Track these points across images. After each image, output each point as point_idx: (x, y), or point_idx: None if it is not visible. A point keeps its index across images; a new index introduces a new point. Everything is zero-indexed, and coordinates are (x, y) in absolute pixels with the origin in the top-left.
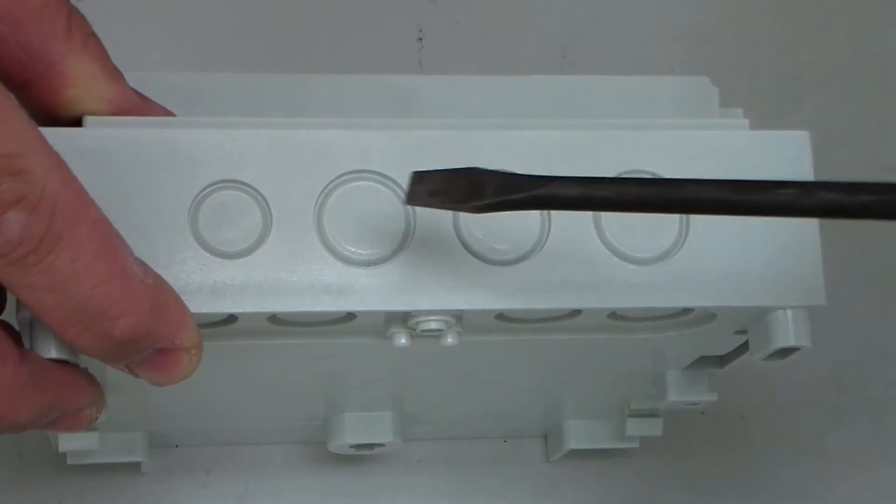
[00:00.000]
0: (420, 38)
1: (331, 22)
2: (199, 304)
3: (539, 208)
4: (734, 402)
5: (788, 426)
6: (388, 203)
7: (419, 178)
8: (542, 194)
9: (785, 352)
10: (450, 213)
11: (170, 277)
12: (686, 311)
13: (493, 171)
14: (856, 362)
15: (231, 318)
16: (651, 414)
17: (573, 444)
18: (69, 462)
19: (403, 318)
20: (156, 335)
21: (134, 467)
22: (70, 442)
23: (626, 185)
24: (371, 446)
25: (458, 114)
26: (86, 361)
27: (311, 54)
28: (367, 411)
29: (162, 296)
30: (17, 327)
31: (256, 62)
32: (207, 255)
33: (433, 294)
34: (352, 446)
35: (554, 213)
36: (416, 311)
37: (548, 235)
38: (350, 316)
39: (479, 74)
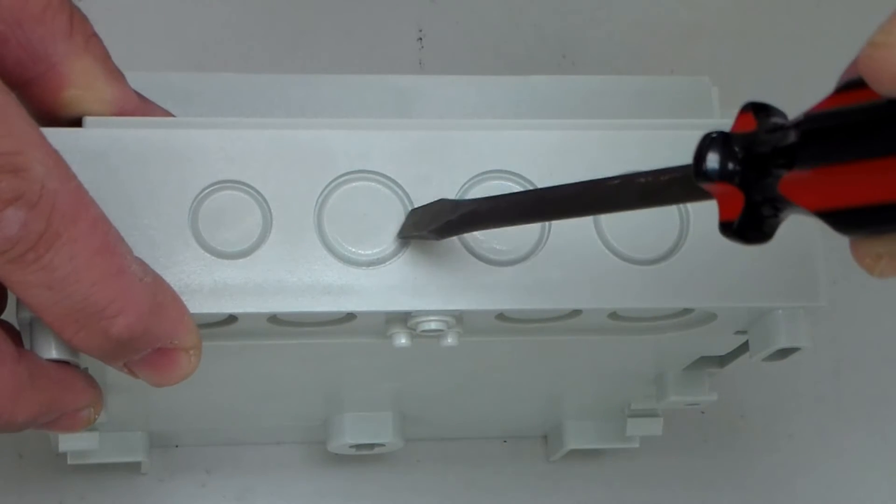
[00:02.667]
0: (420, 38)
1: (331, 22)
2: (199, 305)
3: (467, 228)
4: (734, 401)
5: (788, 426)
6: (388, 203)
7: (411, 212)
8: (457, 216)
9: (785, 352)
10: None
11: (170, 277)
12: (686, 311)
13: (443, 201)
14: (856, 362)
15: (231, 319)
16: (651, 414)
17: (573, 444)
18: (69, 462)
19: (403, 319)
20: (154, 334)
21: (134, 467)
22: (70, 442)
23: (509, 198)
24: (371, 446)
25: (457, 114)
26: (86, 362)
27: (311, 54)
28: (367, 411)
29: (160, 295)
30: (17, 327)
31: (256, 62)
32: (207, 255)
33: (433, 294)
34: (352, 446)
35: None
36: (417, 311)
37: (548, 235)
38: (350, 316)
39: (479, 74)
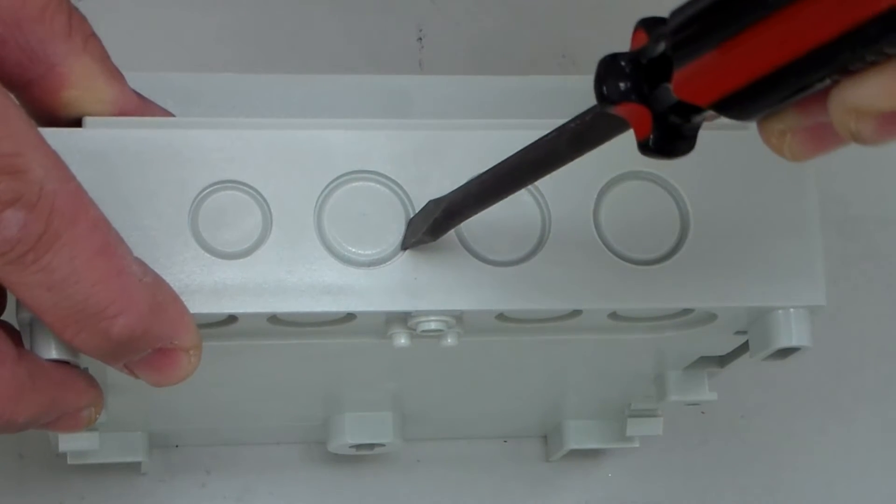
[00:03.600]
0: (420, 38)
1: (331, 22)
2: (200, 305)
3: (452, 222)
4: (734, 401)
5: (788, 426)
6: (388, 203)
7: (409, 222)
8: (440, 211)
9: (785, 352)
10: None
11: (170, 278)
12: (686, 311)
13: (429, 202)
14: (856, 362)
15: (231, 319)
16: (651, 414)
17: (573, 444)
18: (69, 462)
19: (403, 319)
20: (154, 334)
21: (134, 467)
22: (70, 442)
23: (476, 181)
24: (371, 446)
25: (457, 114)
26: (86, 362)
27: (311, 54)
28: (367, 411)
29: (160, 295)
30: (17, 328)
31: (256, 62)
32: (207, 255)
33: (433, 294)
34: (352, 446)
35: (553, 212)
36: (417, 311)
37: (548, 235)
38: (350, 316)
39: (479, 74)
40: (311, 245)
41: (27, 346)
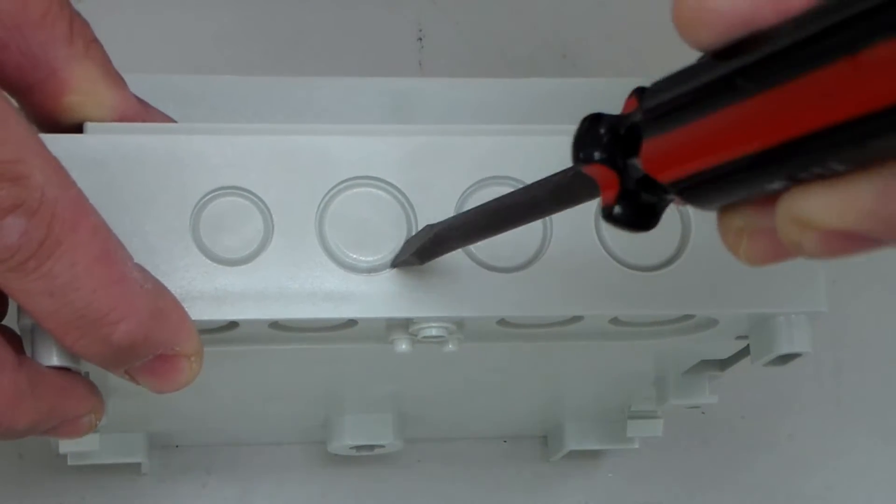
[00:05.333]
0: (420, 38)
1: (331, 22)
2: (201, 311)
3: (439, 249)
4: (734, 402)
5: (788, 426)
6: (390, 209)
7: (405, 242)
8: (429, 238)
9: (786, 358)
10: None
11: (171, 284)
12: (687, 316)
13: (426, 227)
14: (856, 362)
15: (232, 325)
16: (651, 415)
17: (573, 445)
18: (69, 463)
19: (405, 325)
20: (155, 341)
21: (134, 468)
22: (70, 443)
23: (466, 215)
24: (371, 447)
25: (457, 117)
26: (87, 368)
27: (311, 55)
28: (367, 413)
29: (161, 301)
30: (18, 333)
31: (256, 64)
32: (209, 261)
33: (434, 301)
34: (352, 447)
35: (554, 218)
36: (418, 317)
37: (549, 241)
38: (351, 322)
39: (479, 75)
40: (313, 251)
41: (28, 352)
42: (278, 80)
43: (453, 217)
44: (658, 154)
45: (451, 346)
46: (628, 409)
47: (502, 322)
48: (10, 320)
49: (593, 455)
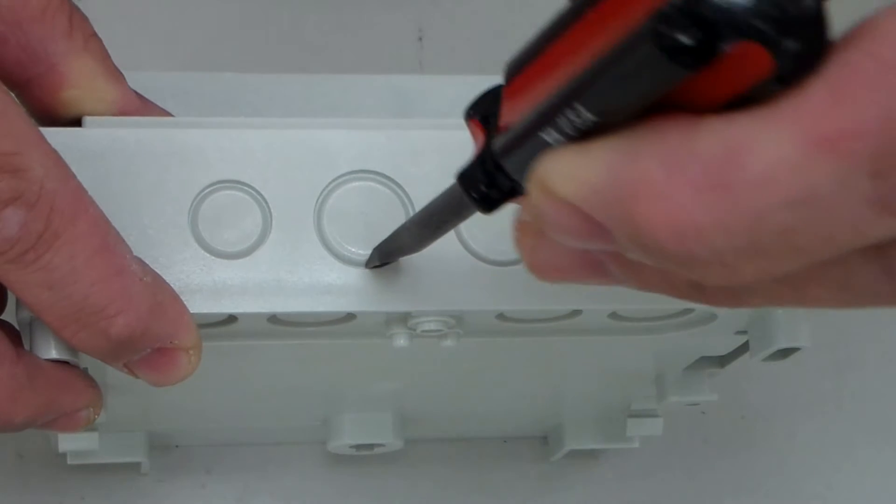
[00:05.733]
0: (420, 38)
1: (331, 22)
2: (199, 305)
3: (391, 258)
4: (734, 402)
5: (788, 426)
6: (388, 203)
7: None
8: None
9: (785, 352)
10: None
11: (170, 278)
12: (686, 311)
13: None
14: (856, 362)
15: (231, 319)
16: (651, 414)
17: (573, 444)
18: (69, 462)
19: (403, 319)
20: (154, 334)
21: (134, 467)
22: (70, 442)
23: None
24: (371, 446)
25: (457, 114)
26: (86, 362)
27: (310, 54)
28: (366, 412)
29: (160, 294)
30: (17, 327)
31: (256, 62)
32: (207, 255)
33: (433, 294)
34: (351, 446)
35: None
36: (416, 311)
37: None
38: (350, 316)
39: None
40: (311, 245)
41: (26, 345)
42: (278, 77)
43: (394, 232)
44: (503, 99)
45: (449, 341)
46: (628, 408)
47: (501, 316)
48: (9, 314)
49: (593, 455)
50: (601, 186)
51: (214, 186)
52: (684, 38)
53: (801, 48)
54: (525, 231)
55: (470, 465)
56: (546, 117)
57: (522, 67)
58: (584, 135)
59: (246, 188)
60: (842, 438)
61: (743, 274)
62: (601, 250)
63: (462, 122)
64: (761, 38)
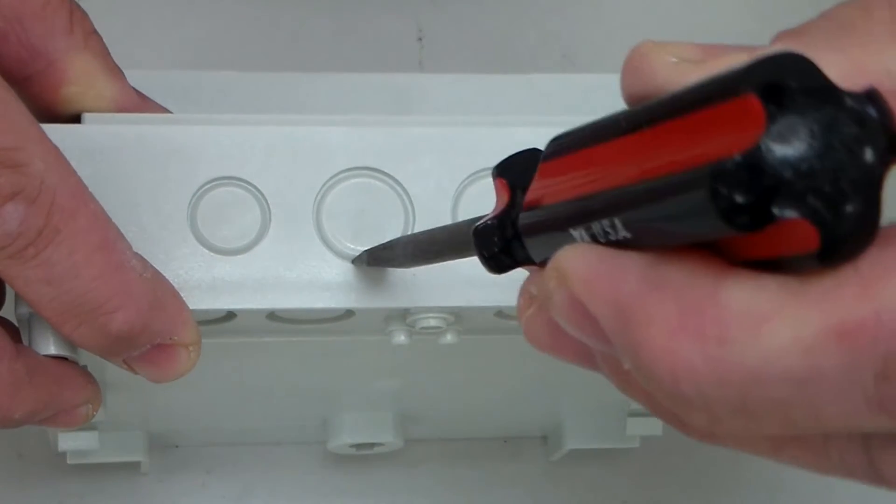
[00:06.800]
0: (420, 38)
1: (331, 22)
2: (198, 301)
3: (380, 263)
4: None
5: None
6: (387, 200)
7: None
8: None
9: None
10: (449, 210)
11: (169, 274)
12: None
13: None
14: None
15: (230, 315)
16: (651, 413)
17: (573, 444)
18: (69, 462)
19: (402, 316)
20: (153, 330)
21: (134, 467)
22: (70, 441)
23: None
24: (371, 446)
25: (457, 112)
26: (85, 359)
27: (310, 53)
28: (366, 411)
29: (160, 290)
30: (15, 323)
31: (256, 61)
32: (206, 251)
33: (432, 291)
34: (351, 446)
35: None
36: (415, 308)
37: None
38: (349, 313)
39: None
40: (310, 241)
41: (25, 341)
42: (277, 76)
43: (390, 242)
44: (536, 178)
45: (448, 338)
46: (628, 407)
47: (500, 314)
48: (7, 310)
49: (593, 454)
50: (616, 302)
51: (213, 183)
52: (740, 199)
53: (849, 235)
54: (528, 301)
55: (470, 465)
56: (581, 217)
57: (568, 151)
58: (615, 245)
59: (245, 185)
60: None
61: (726, 426)
62: (597, 350)
63: (461, 119)
64: (815, 218)
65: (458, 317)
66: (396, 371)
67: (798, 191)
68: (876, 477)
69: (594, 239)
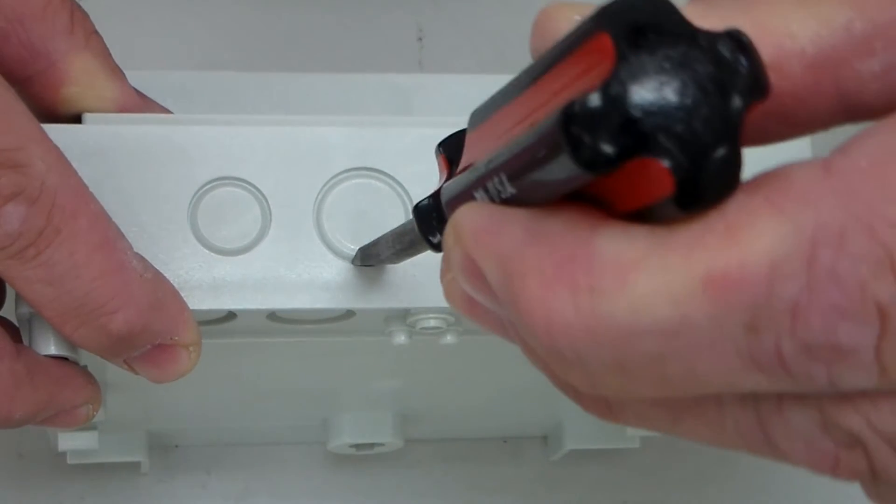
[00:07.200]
0: (420, 38)
1: (331, 22)
2: (199, 301)
3: (370, 260)
4: None
5: None
6: (387, 200)
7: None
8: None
9: None
10: None
11: (169, 274)
12: None
13: None
14: None
15: (230, 316)
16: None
17: (573, 444)
18: (69, 462)
19: (403, 316)
20: (154, 330)
21: (134, 467)
22: (70, 441)
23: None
24: (371, 446)
25: (457, 112)
26: (85, 359)
27: (310, 54)
28: (366, 411)
29: (161, 291)
30: (16, 324)
31: (256, 61)
32: (207, 251)
33: (432, 291)
34: (351, 446)
35: None
36: (416, 308)
37: None
38: (349, 313)
39: (479, 74)
40: (311, 242)
41: (26, 342)
42: (277, 76)
43: (375, 240)
44: (465, 150)
45: (449, 338)
46: None
47: None
48: (8, 310)
49: (593, 455)
50: (499, 256)
51: (214, 183)
52: (588, 140)
53: (705, 178)
54: (448, 265)
55: (470, 465)
56: (479, 180)
57: (483, 118)
58: (506, 203)
59: (245, 185)
60: None
61: (604, 386)
62: (501, 313)
63: (462, 118)
64: (667, 158)
65: (459, 317)
66: (396, 371)
67: (648, 129)
68: (771, 448)
69: (491, 200)
